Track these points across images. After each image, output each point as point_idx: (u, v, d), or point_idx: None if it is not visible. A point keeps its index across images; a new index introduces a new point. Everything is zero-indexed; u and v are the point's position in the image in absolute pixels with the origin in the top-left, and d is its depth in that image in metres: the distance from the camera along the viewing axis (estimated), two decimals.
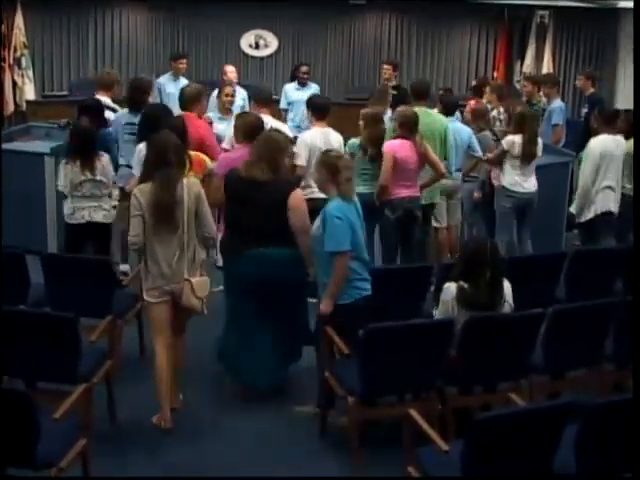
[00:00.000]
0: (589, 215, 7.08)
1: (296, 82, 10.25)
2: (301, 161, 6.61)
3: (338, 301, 4.82)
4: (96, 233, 6.37)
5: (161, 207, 4.64)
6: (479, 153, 7.44)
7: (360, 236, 4.91)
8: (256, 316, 5.16)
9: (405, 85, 10.82)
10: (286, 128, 7.08)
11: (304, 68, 10.41)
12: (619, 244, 7.41)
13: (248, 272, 5.05)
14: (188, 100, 6.98)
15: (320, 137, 6.69)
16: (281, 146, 5.22)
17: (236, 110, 8.12)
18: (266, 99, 7.00)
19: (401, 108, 6.90)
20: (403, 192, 6.49)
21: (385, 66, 10.24)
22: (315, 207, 5.30)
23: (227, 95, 8.12)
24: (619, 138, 7.19)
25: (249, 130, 5.93)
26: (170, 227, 4.68)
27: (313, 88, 10.27)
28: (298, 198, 5.11)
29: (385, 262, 6.73)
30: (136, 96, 7.06)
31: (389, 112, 7.98)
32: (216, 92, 8.97)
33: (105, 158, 6.29)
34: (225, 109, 8.13)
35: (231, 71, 9.86)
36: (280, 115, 9.46)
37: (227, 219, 5.41)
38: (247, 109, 9.52)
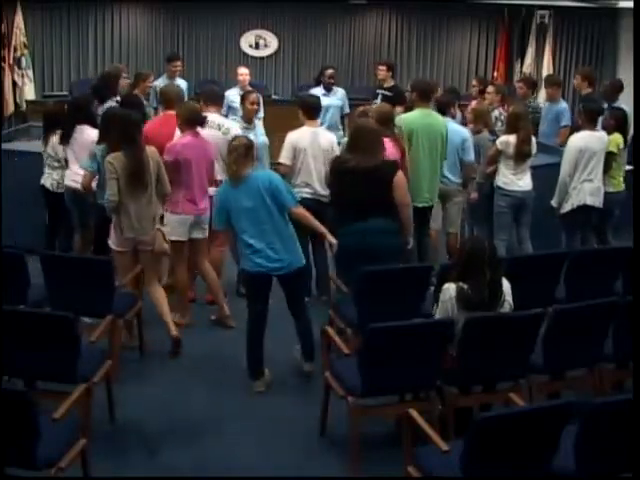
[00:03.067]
0: (567, 208, 7.11)
1: (322, 87, 9.67)
2: (284, 160, 6.60)
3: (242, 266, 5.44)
4: (47, 196, 7.25)
5: (134, 175, 5.69)
6: (469, 157, 7.21)
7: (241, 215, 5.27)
8: None
9: (405, 85, 10.84)
10: (236, 126, 6.88)
11: (329, 72, 9.73)
12: (599, 239, 7.50)
13: (354, 242, 5.59)
14: (172, 99, 6.86)
15: (308, 137, 6.61)
16: (376, 133, 5.80)
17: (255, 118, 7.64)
18: (214, 98, 7.01)
19: (378, 105, 6.96)
20: None
21: (380, 67, 10.01)
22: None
23: (252, 103, 7.34)
24: (601, 135, 7.18)
25: (192, 117, 6.20)
26: (141, 189, 5.74)
27: (340, 93, 9.79)
28: (402, 177, 5.77)
29: None
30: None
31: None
32: (233, 91, 8.81)
33: (55, 137, 6.99)
34: (249, 118, 7.35)
35: (242, 73, 9.65)
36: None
37: (335, 202, 6.04)
38: (261, 114, 9.41)
